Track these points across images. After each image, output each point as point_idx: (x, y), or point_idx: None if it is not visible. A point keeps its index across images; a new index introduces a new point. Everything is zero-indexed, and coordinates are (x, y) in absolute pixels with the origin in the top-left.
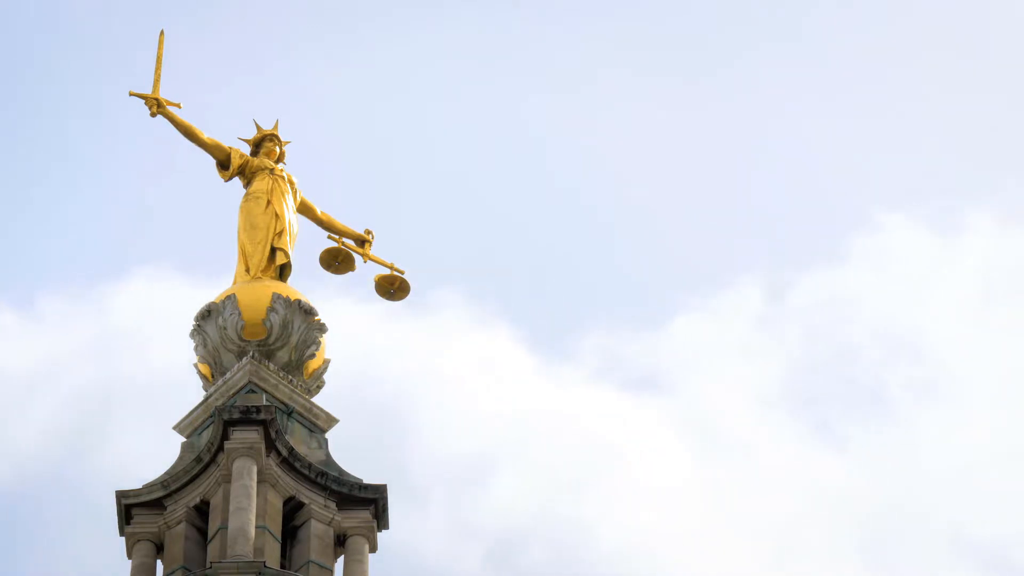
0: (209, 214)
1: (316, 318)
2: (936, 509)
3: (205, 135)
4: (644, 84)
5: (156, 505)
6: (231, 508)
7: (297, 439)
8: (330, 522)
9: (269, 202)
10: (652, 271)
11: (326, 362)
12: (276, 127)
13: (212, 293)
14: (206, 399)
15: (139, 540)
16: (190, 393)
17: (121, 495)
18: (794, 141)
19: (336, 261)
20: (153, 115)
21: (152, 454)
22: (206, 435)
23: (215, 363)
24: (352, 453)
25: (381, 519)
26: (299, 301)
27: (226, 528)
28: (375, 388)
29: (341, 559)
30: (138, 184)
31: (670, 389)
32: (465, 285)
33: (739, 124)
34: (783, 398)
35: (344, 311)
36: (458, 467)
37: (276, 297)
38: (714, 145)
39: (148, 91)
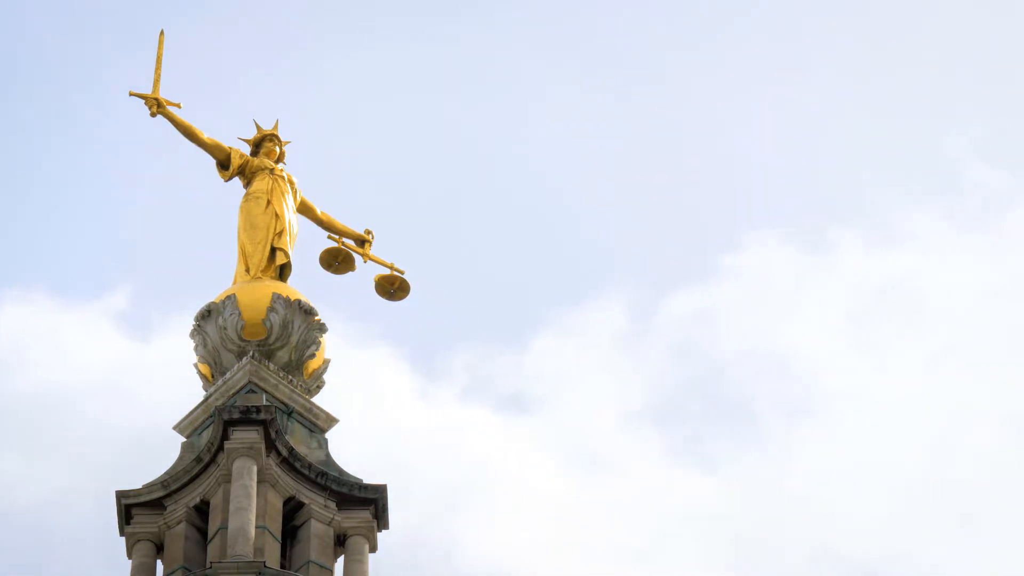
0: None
1: (316, 318)
2: (804, 528)
3: (205, 135)
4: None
5: (156, 505)
6: (231, 508)
7: (297, 439)
8: (330, 522)
9: (269, 202)
10: (518, 288)
11: (326, 362)
12: (276, 127)
13: (83, 316)
14: (206, 399)
15: (139, 540)
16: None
17: (121, 495)
18: (661, 159)
19: (336, 261)
20: (153, 115)
21: (28, 475)
22: (206, 435)
23: (215, 363)
24: (352, 453)
25: (381, 519)
26: (299, 301)
27: (226, 528)
28: None
29: (341, 559)
30: (135, 184)
31: (537, 407)
32: (350, 305)
33: (605, 141)
34: (650, 416)
35: None
36: None
37: (276, 297)
38: (581, 162)
39: (148, 91)
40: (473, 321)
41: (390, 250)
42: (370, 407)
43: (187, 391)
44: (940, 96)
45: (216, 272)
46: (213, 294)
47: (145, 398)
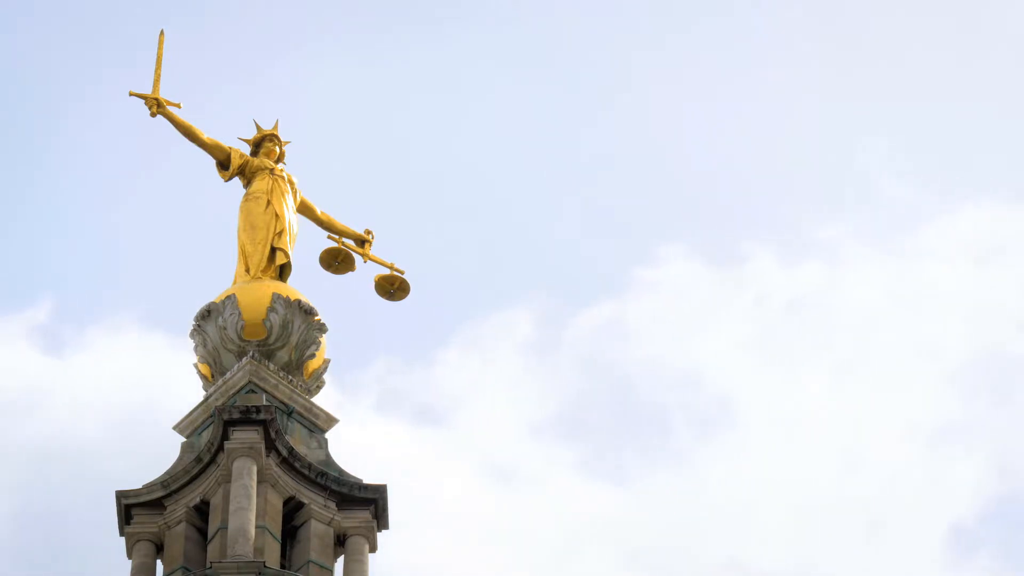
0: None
1: (316, 318)
2: (713, 540)
3: (205, 135)
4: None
5: (156, 505)
6: (231, 508)
7: (297, 439)
8: (330, 522)
9: (269, 202)
10: (427, 299)
11: (326, 362)
12: (276, 127)
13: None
14: (206, 399)
15: (139, 540)
16: None
17: (121, 495)
18: (575, 172)
19: (336, 261)
20: (153, 115)
21: None
22: (206, 435)
23: (215, 363)
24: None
25: (381, 519)
26: (299, 301)
27: (226, 528)
28: (170, 418)
29: (341, 559)
30: (135, 184)
31: (447, 419)
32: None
33: (518, 154)
34: (560, 428)
35: (144, 343)
36: None
37: (276, 297)
38: (490, 173)
39: (148, 91)
40: (383, 333)
41: (390, 250)
42: None
43: (101, 401)
44: (851, 109)
45: (216, 272)
46: (207, 297)
47: (59, 413)
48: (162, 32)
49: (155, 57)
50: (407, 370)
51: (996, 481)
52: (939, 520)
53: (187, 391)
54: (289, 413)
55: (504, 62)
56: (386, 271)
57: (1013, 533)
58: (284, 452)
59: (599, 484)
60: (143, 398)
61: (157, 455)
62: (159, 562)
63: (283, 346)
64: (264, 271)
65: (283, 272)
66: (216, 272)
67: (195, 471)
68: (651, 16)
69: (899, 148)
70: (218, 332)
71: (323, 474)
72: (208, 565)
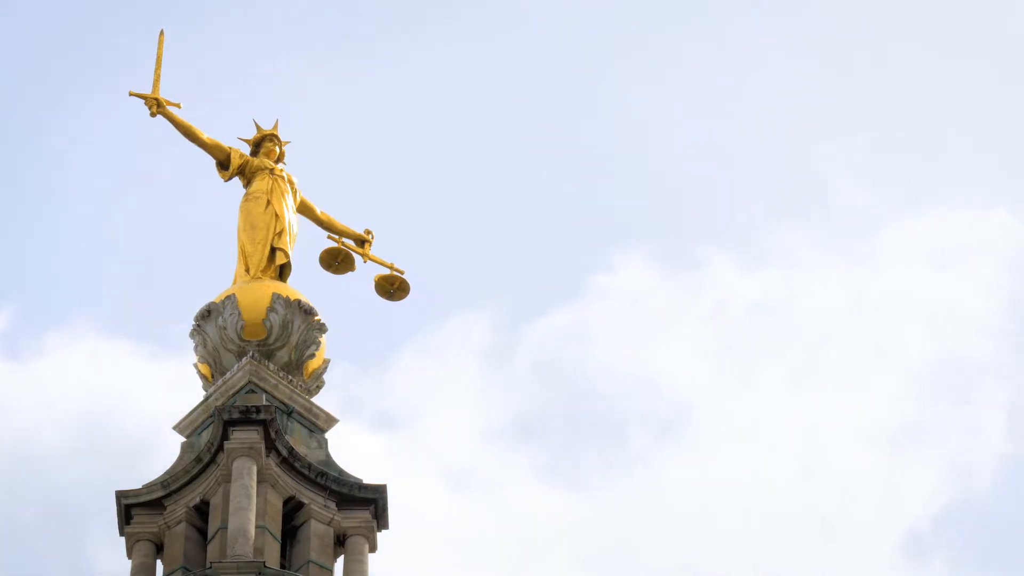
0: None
1: (316, 318)
2: (670, 547)
3: (205, 135)
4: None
5: (156, 505)
6: (231, 508)
7: (297, 439)
8: (330, 522)
9: (269, 202)
10: (382, 304)
11: (326, 362)
12: (276, 127)
13: None
14: (206, 399)
15: (139, 540)
16: None
17: (121, 495)
18: (531, 177)
19: (336, 261)
20: (153, 115)
21: None
22: (206, 435)
23: (215, 363)
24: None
25: (381, 519)
26: (299, 301)
27: (226, 528)
28: (134, 424)
29: (341, 559)
30: (134, 184)
31: (403, 425)
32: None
33: (474, 158)
34: (516, 434)
35: (105, 349)
36: None
37: (276, 297)
38: (454, 179)
39: (148, 91)
40: (339, 338)
41: (390, 250)
42: None
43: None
44: (810, 114)
45: (216, 272)
46: (176, 303)
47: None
48: (162, 32)
49: (155, 57)
50: (363, 375)
51: (953, 486)
52: (894, 525)
53: (153, 396)
54: (289, 413)
55: (487, 68)
56: (386, 271)
57: (967, 538)
58: (284, 452)
59: (556, 490)
60: (103, 403)
61: (120, 459)
62: (159, 562)
63: (283, 346)
64: (264, 271)
65: (283, 272)
66: (216, 272)
67: (195, 471)
68: (613, 26)
69: (858, 153)
70: (218, 332)
71: (323, 474)
72: (208, 565)
